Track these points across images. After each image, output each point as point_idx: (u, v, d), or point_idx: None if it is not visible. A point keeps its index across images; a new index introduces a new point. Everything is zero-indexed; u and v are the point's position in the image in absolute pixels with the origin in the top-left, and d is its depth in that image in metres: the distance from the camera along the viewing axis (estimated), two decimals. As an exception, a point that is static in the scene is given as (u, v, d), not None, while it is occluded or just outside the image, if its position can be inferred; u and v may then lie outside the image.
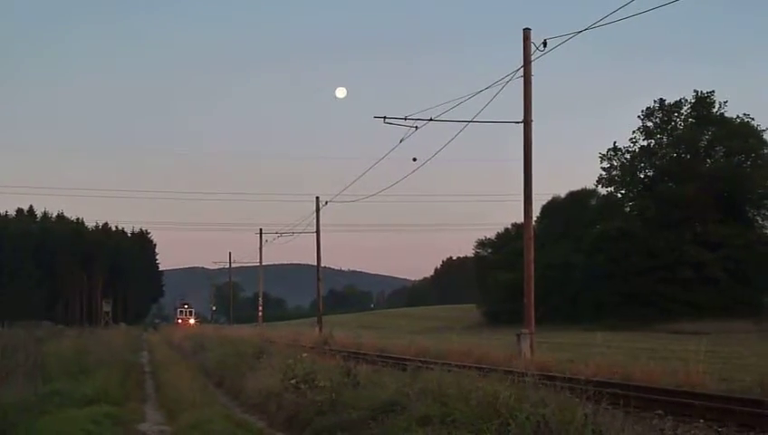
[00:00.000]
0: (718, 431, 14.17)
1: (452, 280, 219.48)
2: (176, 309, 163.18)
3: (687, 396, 16.72)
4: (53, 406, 20.15)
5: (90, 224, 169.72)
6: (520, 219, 34.04)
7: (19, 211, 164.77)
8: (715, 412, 15.16)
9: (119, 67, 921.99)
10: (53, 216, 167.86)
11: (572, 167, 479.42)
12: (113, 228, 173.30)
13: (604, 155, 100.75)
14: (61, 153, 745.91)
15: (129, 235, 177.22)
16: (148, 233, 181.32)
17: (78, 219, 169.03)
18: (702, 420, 14.99)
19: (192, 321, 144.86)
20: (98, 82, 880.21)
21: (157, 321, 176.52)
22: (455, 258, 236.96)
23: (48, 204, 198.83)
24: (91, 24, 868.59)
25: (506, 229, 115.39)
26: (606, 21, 21.72)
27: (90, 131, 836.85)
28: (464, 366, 19.87)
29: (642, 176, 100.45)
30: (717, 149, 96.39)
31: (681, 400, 16.52)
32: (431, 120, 31.11)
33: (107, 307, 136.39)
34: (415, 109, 43.88)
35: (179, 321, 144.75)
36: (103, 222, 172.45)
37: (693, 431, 14.31)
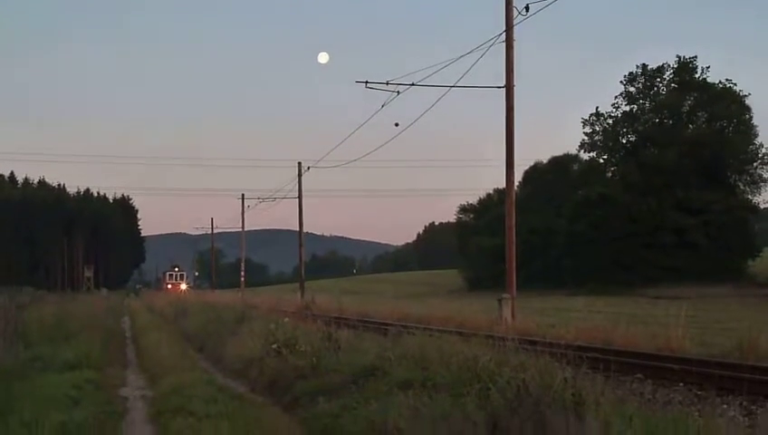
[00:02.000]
0: (697, 395, 14.24)
1: (434, 245, 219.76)
2: (164, 273, 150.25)
3: (667, 360, 16.78)
4: (35, 371, 20.11)
5: (71, 190, 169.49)
6: (502, 185, 34.13)
7: (0, 177, 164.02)
8: (694, 376, 15.22)
9: (105, 34, 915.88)
10: (35, 182, 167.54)
11: (555, 132, 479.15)
12: (95, 194, 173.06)
13: (586, 120, 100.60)
14: (43, 119, 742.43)
15: (111, 200, 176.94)
16: (130, 199, 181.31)
17: (60, 185, 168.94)
18: (681, 384, 15.06)
19: (184, 286, 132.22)
20: (82, 49, 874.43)
21: (138, 286, 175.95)
22: (437, 224, 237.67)
23: (29, 170, 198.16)
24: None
25: (488, 195, 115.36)
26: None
27: (73, 98, 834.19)
28: (445, 331, 19.90)
29: (624, 141, 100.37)
30: (700, 114, 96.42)
31: (661, 364, 16.59)
32: (413, 84, 31.10)
33: (88, 273, 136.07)
34: (397, 74, 43.73)
35: (169, 286, 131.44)
36: (85, 188, 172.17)
37: (672, 395, 14.38)
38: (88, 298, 72.43)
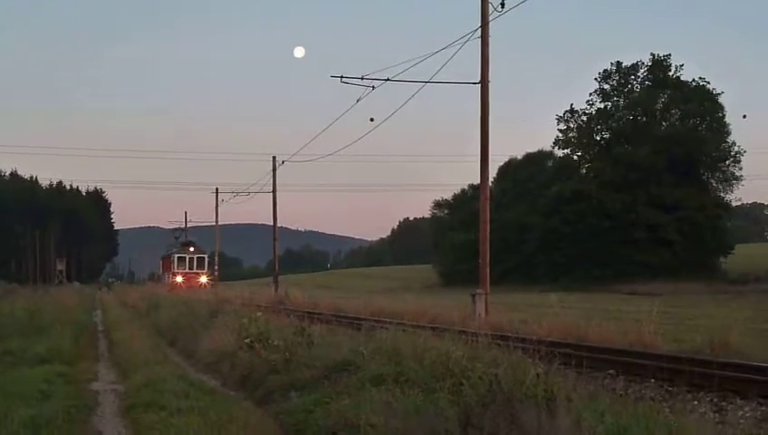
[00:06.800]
0: (668, 391, 14.30)
1: (409, 241, 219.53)
2: (167, 256, 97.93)
3: (639, 356, 16.81)
4: (6, 365, 20.03)
5: (44, 182, 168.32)
6: (477, 180, 34.14)
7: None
8: (665, 372, 15.25)
9: (76, 27, 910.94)
10: (7, 174, 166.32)
11: (530, 128, 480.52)
12: (68, 187, 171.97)
13: (561, 117, 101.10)
14: (15, 111, 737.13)
15: (84, 194, 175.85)
16: (104, 192, 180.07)
17: (32, 177, 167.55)
18: (653, 380, 15.11)
19: (204, 279, 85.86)
20: (53, 38, 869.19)
21: (112, 280, 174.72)
22: (412, 219, 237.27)
23: (1, 162, 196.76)
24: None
25: (463, 190, 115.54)
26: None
27: (46, 89, 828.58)
28: (418, 326, 19.89)
29: (598, 138, 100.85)
30: (673, 112, 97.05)
31: (633, 360, 16.62)
32: (388, 79, 31.06)
33: (60, 266, 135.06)
34: (373, 68, 43.77)
35: (178, 278, 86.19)
36: (57, 180, 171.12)
37: (643, 391, 14.44)
38: (60, 292, 71.91)
